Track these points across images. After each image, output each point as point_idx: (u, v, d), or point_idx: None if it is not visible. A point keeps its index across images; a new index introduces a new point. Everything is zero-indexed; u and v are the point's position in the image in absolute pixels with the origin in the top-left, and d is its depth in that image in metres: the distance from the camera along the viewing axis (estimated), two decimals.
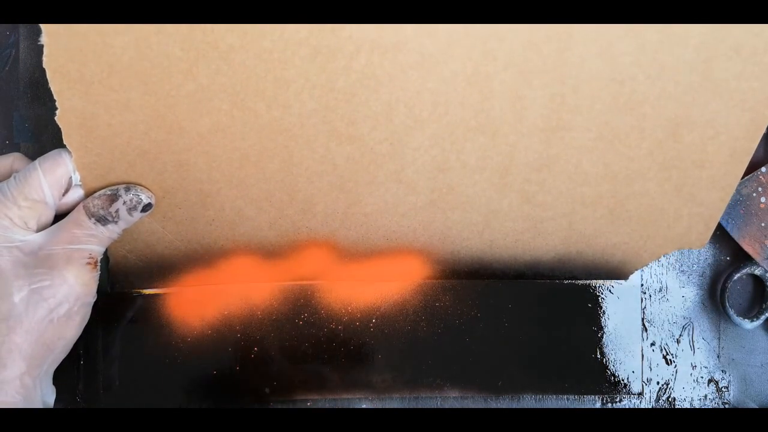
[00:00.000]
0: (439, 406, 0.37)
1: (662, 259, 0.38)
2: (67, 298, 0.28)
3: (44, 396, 0.29)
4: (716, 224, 0.34)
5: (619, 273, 0.36)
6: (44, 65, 0.27)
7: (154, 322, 0.35)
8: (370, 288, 0.36)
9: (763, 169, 0.36)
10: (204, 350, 0.35)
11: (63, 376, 0.32)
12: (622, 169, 0.32)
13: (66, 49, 0.27)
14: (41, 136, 0.35)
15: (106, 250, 0.33)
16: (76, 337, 0.30)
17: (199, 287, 0.35)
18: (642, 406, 0.38)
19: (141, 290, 0.35)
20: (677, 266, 0.38)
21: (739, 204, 0.36)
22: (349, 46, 0.28)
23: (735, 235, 0.36)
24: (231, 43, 0.27)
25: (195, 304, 0.35)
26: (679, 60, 0.29)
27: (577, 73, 0.29)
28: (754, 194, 0.36)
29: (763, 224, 0.36)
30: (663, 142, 0.31)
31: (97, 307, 0.35)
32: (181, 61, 0.27)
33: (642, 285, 0.38)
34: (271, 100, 0.29)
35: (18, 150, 0.35)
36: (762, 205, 0.36)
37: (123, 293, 0.35)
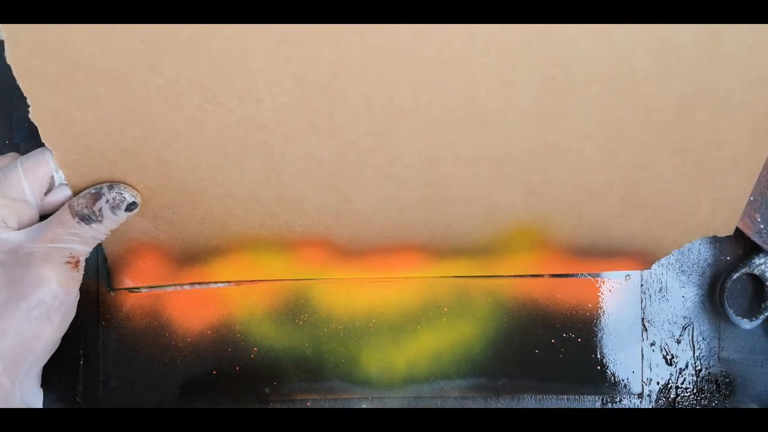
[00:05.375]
0: (439, 406, 0.37)
1: (662, 258, 0.38)
2: (45, 297, 0.28)
3: (25, 398, 0.29)
4: (743, 208, 0.32)
5: (638, 263, 0.35)
6: (8, 62, 0.26)
7: (154, 322, 0.35)
8: (370, 288, 0.36)
9: None
10: (204, 350, 0.35)
11: (63, 376, 0.32)
12: (630, 155, 0.30)
13: (27, 44, 0.26)
14: (40, 136, 0.35)
15: (104, 249, 0.33)
16: (58, 339, 0.29)
17: (198, 287, 0.35)
18: (642, 406, 0.38)
19: (140, 290, 0.35)
20: (677, 266, 0.38)
21: None
22: (314, 31, 0.26)
23: None
24: (190, 34, 0.26)
25: (195, 304, 0.35)
26: (682, 31, 0.27)
27: (566, 53, 0.27)
28: None
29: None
30: (673, 123, 0.29)
31: (97, 307, 0.35)
32: (144, 54, 0.26)
33: (642, 285, 0.38)
34: (242, 94, 0.28)
35: (18, 150, 0.35)
36: None
37: (122, 293, 0.35)
